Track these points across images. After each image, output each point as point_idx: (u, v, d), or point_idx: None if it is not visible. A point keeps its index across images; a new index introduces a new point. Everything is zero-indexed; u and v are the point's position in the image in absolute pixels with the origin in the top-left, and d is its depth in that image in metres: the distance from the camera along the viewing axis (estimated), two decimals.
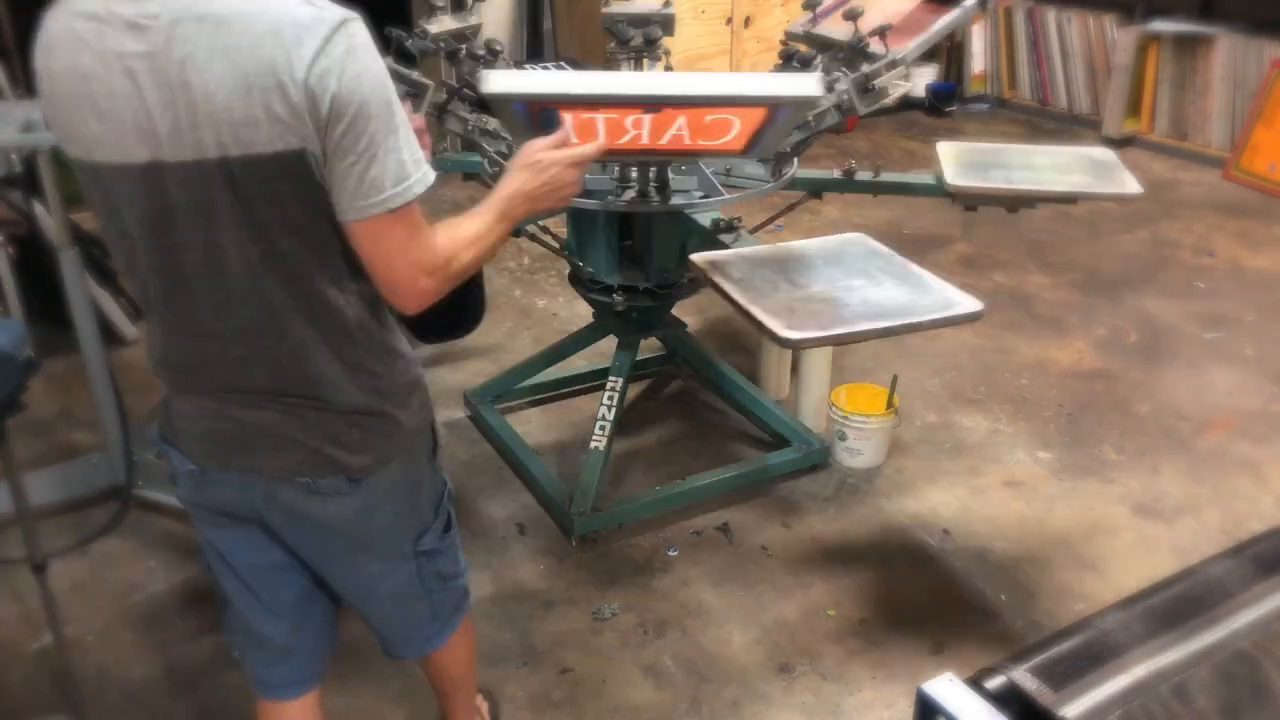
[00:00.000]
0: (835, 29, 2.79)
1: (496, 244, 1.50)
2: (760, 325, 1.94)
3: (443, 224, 1.42)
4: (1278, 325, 3.90)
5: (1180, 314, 3.99)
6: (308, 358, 1.38)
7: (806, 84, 1.98)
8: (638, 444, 3.18)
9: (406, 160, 1.29)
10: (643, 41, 2.92)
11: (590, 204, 2.59)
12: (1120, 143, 5.79)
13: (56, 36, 1.25)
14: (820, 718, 2.23)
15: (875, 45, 2.62)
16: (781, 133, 2.24)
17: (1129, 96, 5.77)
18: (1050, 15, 6.13)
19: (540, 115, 1.92)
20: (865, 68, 2.55)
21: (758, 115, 2.01)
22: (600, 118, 1.95)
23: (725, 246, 2.41)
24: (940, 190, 2.61)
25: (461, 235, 1.43)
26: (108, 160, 1.27)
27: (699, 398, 3.42)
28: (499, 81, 1.90)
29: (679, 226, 2.73)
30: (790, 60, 2.74)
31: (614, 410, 2.89)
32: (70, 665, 2.20)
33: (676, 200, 2.63)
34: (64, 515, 2.79)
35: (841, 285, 2.12)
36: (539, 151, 1.58)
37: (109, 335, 3.50)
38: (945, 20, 2.71)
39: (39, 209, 3.22)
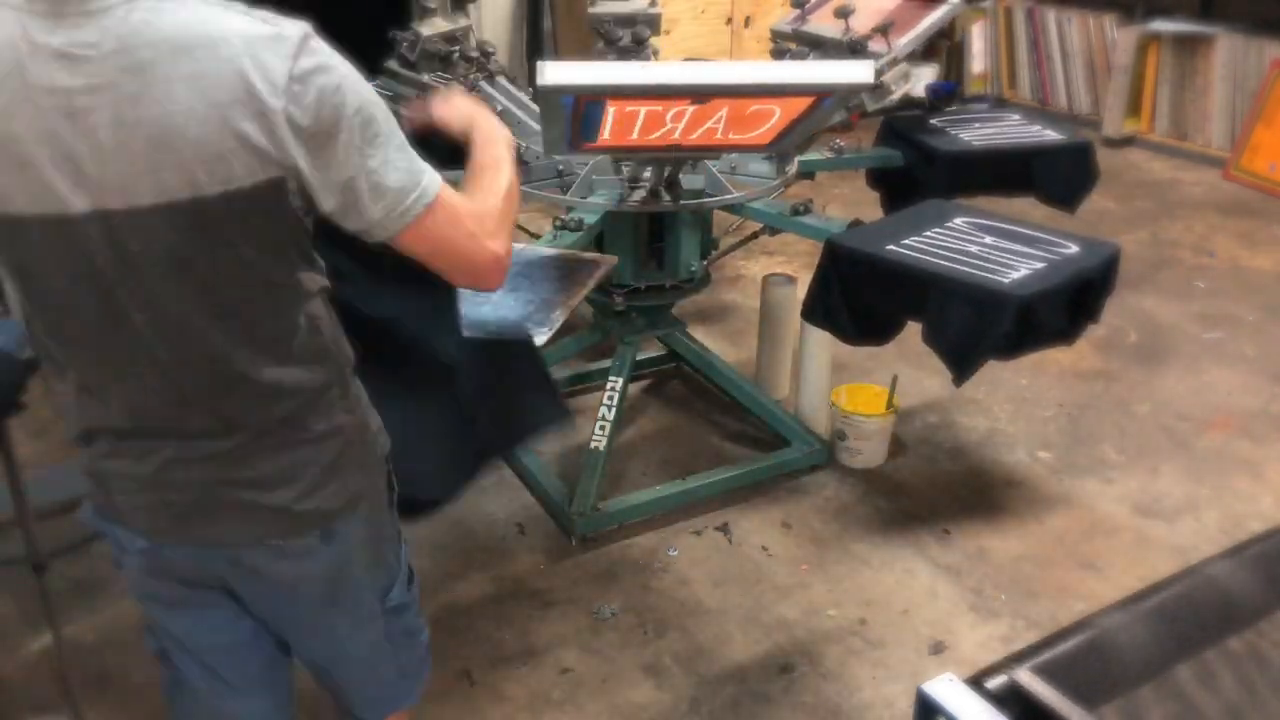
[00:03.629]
0: (825, 26, 2.78)
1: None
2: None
3: (470, 186, 1.35)
4: (1278, 325, 3.90)
5: (1180, 314, 3.99)
6: (278, 397, 1.26)
7: (859, 71, 1.97)
8: (638, 444, 3.18)
9: (411, 154, 1.21)
10: (631, 41, 2.94)
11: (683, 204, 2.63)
12: (1120, 143, 5.79)
13: None
14: (820, 718, 2.23)
15: (876, 43, 2.62)
16: (817, 123, 2.26)
17: (1129, 96, 5.77)
18: (1050, 15, 6.13)
19: (586, 108, 1.91)
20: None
21: (802, 105, 2.01)
22: (642, 110, 1.94)
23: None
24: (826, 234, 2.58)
25: (500, 187, 1.35)
26: (32, 212, 1.10)
27: (699, 398, 3.42)
28: (555, 74, 1.88)
29: (703, 222, 2.81)
30: (782, 58, 2.74)
31: (614, 410, 2.89)
32: (70, 665, 2.20)
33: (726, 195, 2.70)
34: (64, 515, 2.78)
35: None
36: (460, 97, 1.55)
37: None
38: (934, 16, 2.72)
39: None
